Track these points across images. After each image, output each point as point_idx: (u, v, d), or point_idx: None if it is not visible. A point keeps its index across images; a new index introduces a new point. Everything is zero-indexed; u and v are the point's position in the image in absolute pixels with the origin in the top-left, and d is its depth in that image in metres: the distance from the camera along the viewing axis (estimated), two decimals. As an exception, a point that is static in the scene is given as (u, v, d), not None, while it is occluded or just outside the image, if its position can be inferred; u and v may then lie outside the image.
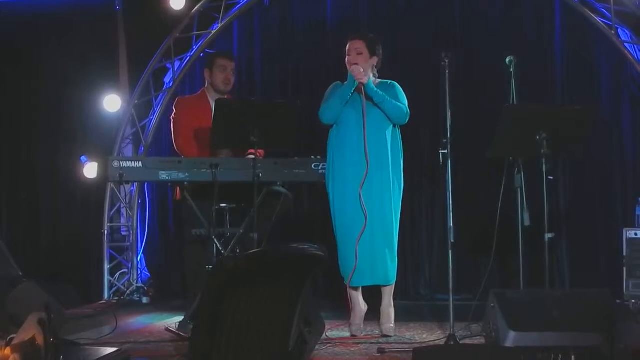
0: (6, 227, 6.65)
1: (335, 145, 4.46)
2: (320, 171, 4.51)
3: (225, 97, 4.93)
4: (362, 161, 4.32)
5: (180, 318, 4.65)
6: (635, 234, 5.21)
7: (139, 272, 6.41)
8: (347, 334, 4.39)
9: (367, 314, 4.51)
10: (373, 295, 4.53)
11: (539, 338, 3.49)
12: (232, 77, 4.98)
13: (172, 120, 4.97)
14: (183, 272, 5.56)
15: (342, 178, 4.39)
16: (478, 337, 4.08)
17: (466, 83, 5.87)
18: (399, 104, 4.41)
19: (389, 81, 4.54)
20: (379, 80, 4.53)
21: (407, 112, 4.43)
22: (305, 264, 3.01)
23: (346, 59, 4.45)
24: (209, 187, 4.36)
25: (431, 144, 5.87)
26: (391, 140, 4.42)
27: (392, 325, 4.40)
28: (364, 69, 4.37)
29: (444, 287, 4.26)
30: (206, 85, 5.02)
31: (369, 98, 4.37)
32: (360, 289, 4.48)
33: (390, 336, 4.31)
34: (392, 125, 4.44)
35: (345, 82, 4.42)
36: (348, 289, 4.44)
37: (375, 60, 4.49)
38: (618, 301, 5.08)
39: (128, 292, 6.26)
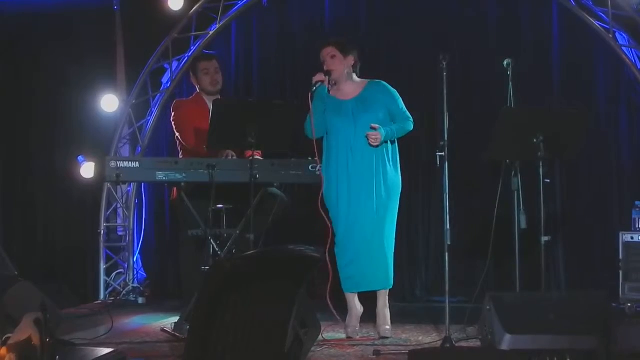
0: (2, 226, 6.63)
1: (327, 154, 4.47)
2: (318, 172, 4.51)
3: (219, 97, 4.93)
4: (353, 168, 4.35)
5: (176, 319, 4.64)
6: (632, 238, 5.21)
7: (135, 272, 6.39)
8: (343, 336, 4.39)
9: (362, 315, 4.51)
10: (368, 297, 4.53)
11: (535, 341, 3.49)
12: (218, 76, 4.97)
13: (173, 122, 4.97)
14: (179, 272, 5.56)
15: (336, 186, 4.40)
16: (474, 340, 4.08)
17: (463, 85, 5.88)
18: (404, 126, 4.43)
19: (378, 81, 4.53)
20: (367, 80, 4.54)
21: (411, 120, 4.47)
22: (301, 265, 3.01)
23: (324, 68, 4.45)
24: (205, 188, 4.36)
25: (428, 146, 5.86)
26: (390, 144, 4.43)
27: (388, 327, 4.40)
28: (339, 71, 4.41)
29: (440, 289, 4.27)
30: (198, 90, 5.03)
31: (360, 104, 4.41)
32: (357, 291, 4.48)
33: (386, 338, 4.31)
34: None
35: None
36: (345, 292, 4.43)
37: (351, 60, 4.48)
38: (614, 304, 5.09)
39: (124, 292, 6.24)
